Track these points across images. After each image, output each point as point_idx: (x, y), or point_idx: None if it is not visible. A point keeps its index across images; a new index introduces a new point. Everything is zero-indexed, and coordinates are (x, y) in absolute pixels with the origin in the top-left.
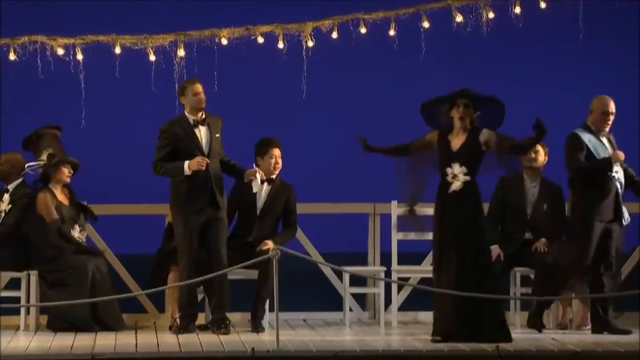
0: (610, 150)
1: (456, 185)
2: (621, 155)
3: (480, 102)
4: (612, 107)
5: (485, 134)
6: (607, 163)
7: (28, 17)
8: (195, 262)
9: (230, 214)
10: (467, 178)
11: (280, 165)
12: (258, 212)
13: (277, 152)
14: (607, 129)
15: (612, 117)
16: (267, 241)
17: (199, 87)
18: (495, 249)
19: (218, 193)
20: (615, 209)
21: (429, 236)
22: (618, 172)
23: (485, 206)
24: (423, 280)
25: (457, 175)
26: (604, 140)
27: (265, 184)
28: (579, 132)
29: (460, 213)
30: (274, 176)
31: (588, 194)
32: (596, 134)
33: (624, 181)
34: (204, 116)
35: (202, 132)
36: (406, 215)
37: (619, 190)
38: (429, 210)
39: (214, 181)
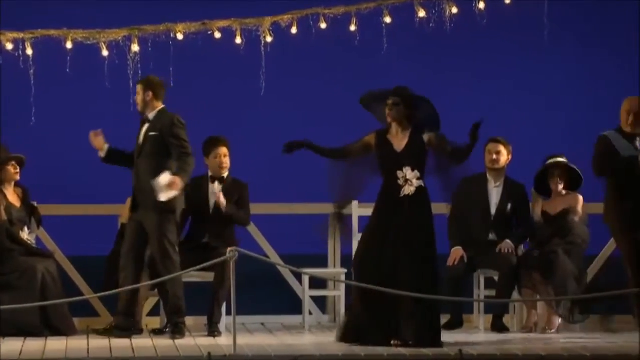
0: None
1: (409, 190)
2: None
3: (414, 101)
4: (633, 106)
5: (427, 135)
6: (628, 162)
7: None
8: (129, 262)
9: (183, 216)
10: (421, 183)
11: (227, 165)
12: (210, 213)
13: (223, 150)
14: (634, 130)
15: (631, 117)
16: (223, 201)
17: (137, 88)
18: (458, 251)
19: (139, 194)
20: None
21: None
22: None
23: (448, 206)
24: None
25: (411, 180)
26: (638, 142)
27: (217, 183)
28: (607, 133)
29: (412, 217)
30: (225, 175)
31: (622, 198)
32: (627, 135)
33: None
34: (149, 114)
35: (142, 130)
36: (334, 216)
37: None
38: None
39: (138, 182)
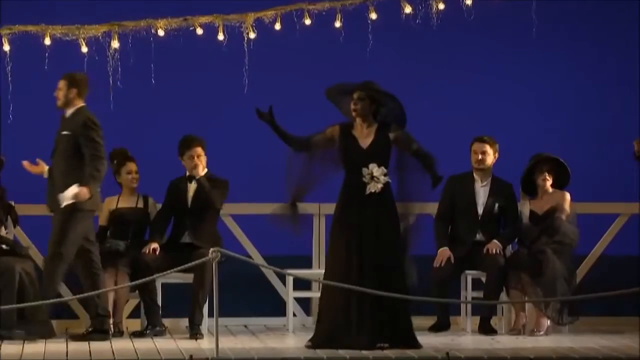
0: None
1: (376, 187)
2: None
3: (382, 97)
4: None
5: (394, 131)
6: None
7: None
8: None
9: (165, 218)
10: (388, 179)
11: (201, 164)
12: (189, 212)
13: (197, 151)
14: None
15: None
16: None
17: (59, 83)
18: (445, 251)
19: (50, 195)
20: None
21: None
22: None
23: (434, 206)
24: None
25: (377, 177)
26: None
27: (194, 182)
28: None
29: (381, 215)
30: (201, 175)
31: None
32: None
33: None
34: (67, 112)
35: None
36: (285, 210)
37: None
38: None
39: (51, 182)
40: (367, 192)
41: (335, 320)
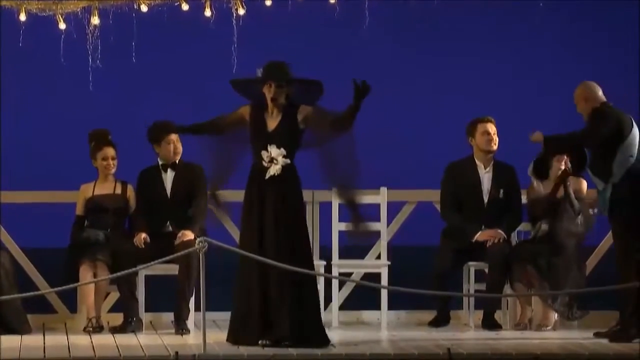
0: None
1: (275, 169)
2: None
3: (295, 82)
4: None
5: (303, 112)
6: None
7: None
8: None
9: (145, 211)
10: (287, 161)
11: (179, 150)
12: (168, 200)
13: (173, 136)
14: None
15: None
16: (186, 232)
17: None
18: (488, 232)
19: None
20: None
21: (374, 227)
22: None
23: (436, 193)
24: (367, 276)
25: (275, 158)
26: None
27: (169, 170)
28: None
29: (280, 199)
30: (177, 160)
31: None
32: None
33: None
34: None
35: None
36: (209, 198)
37: None
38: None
39: None
40: (267, 176)
41: (242, 312)
